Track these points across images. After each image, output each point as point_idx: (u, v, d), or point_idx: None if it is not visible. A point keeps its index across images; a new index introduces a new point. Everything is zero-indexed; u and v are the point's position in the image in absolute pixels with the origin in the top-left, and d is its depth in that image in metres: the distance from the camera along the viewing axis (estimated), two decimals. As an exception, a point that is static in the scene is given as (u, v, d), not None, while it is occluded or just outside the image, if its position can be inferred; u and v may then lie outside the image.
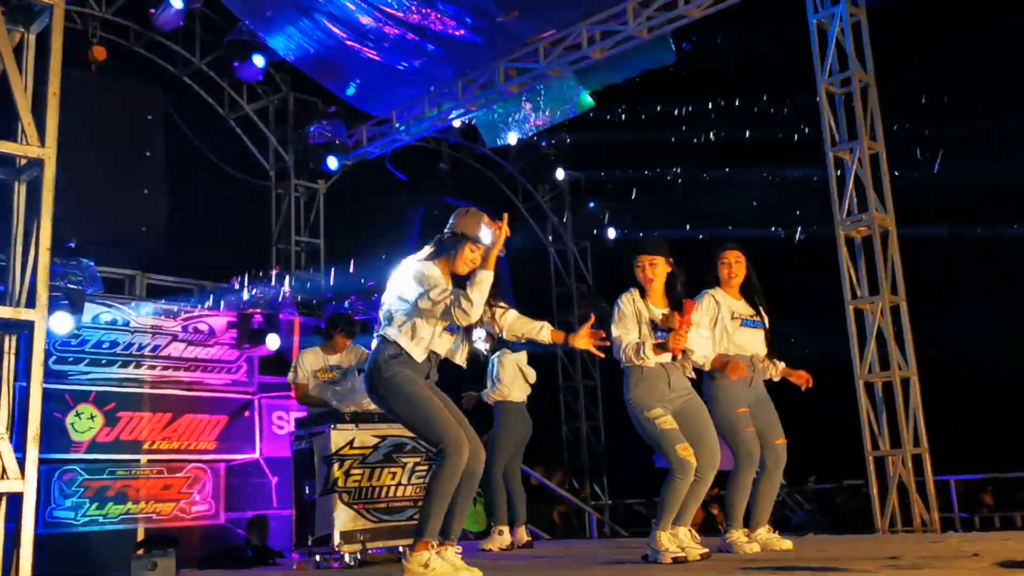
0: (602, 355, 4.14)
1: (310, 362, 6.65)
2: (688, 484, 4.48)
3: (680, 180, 13.14)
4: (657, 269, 4.69)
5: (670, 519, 4.48)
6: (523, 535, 7.04)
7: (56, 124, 3.49)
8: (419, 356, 3.98)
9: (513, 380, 7.11)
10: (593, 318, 4.13)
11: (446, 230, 4.14)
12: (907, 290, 7.70)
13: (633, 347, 4.56)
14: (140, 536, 7.49)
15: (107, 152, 9.14)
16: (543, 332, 4.15)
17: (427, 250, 4.13)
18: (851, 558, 4.06)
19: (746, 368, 4.96)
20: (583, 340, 4.08)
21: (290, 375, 6.67)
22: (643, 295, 4.71)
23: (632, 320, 4.63)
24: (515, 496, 6.99)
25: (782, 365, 5.33)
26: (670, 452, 4.48)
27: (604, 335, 4.08)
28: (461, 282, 4.03)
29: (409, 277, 4.02)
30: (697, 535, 4.69)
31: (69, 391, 7.63)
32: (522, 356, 7.21)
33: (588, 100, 10.54)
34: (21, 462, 3.15)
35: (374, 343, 4.12)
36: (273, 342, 8.36)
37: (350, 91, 10.33)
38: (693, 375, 4.84)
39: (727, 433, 5.02)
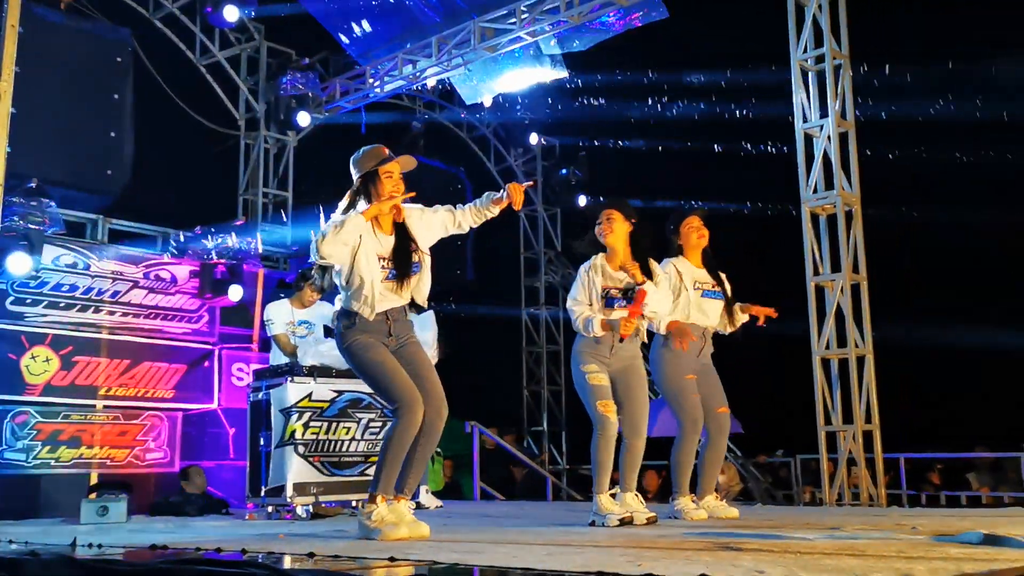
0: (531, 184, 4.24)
1: (279, 314, 6.73)
2: (609, 442, 4.58)
3: (653, 151, 13.12)
4: (615, 225, 4.75)
5: (605, 480, 4.58)
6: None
7: (13, 57, 3.43)
8: (369, 316, 4.02)
9: None
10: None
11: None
12: (867, 269, 7.80)
13: (583, 320, 4.68)
14: (93, 481, 7.45)
15: (74, 94, 8.95)
16: (491, 207, 4.20)
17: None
18: (793, 526, 4.14)
19: (693, 338, 4.99)
20: (516, 192, 4.12)
21: (269, 329, 6.74)
22: (606, 255, 4.78)
23: (587, 291, 4.73)
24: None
25: (744, 317, 5.34)
26: (592, 407, 4.61)
27: (534, 183, 4.19)
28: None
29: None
30: (643, 499, 4.77)
31: (25, 332, 7.53)
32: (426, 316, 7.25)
33: (562, 68, 10.48)
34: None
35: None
36: (235, 293, 8.31)
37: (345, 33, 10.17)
38: (645, 339, 4.93)
39: (671, 398, 5.11)
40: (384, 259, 4.05)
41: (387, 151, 4.16)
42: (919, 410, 12.12)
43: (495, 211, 4.22)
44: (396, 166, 4.11)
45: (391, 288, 4.07)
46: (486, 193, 4.25)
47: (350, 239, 3.95)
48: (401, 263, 4.09)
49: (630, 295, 4.68)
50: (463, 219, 4.24)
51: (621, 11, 9.05)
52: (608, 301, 4.74)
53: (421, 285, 4.19)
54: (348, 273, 4.05)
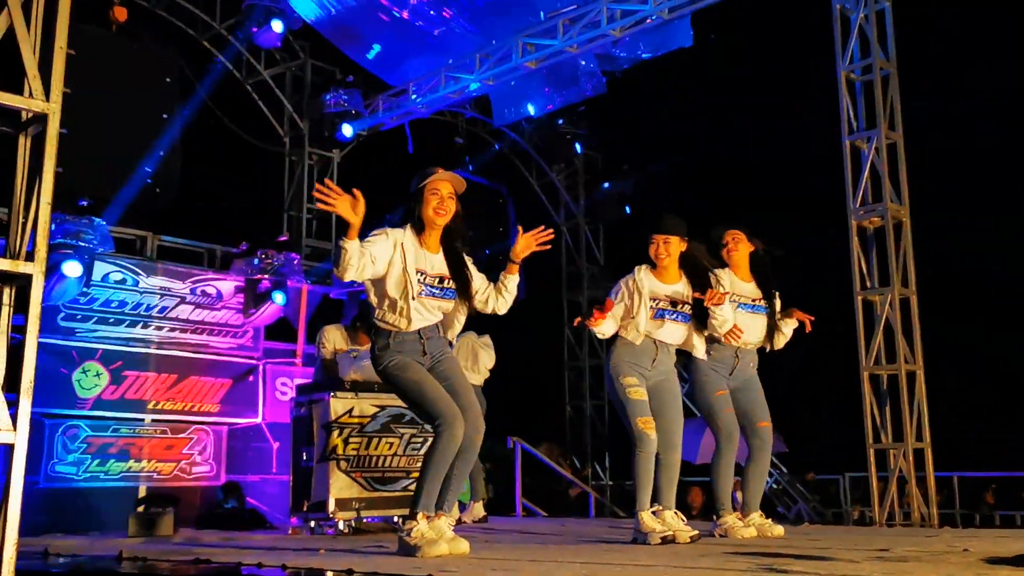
0: (547, 246, 4.19)
1: (335, 339, 6.74)
2: (649, 458, 4.52)
3: (697, 163, 13.05)
4: (671, 248, 4.73)
5: (646, 497, 4.51)
6: (479, 511, 7.16)
7: (62, 79, 3.47)
8: (406, 328, 4.03)
9: (464, 362, 7.16)
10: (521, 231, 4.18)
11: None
12: (917, 283, 7.65)
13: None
14: (141, 494, 7.55)
15: (124, 112, 9.16)
16: (507, 278, 4.20)
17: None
18: (840, 548, 4.04)
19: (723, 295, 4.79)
20: (523, 247, 4.14)
21: (319, 350, 6.78)
22: (653, 268, 4.75)
23: (624, 299, 4.67)
24: (473, 473, 7.13)
25: (787, 334, 5.28)
26: (632, 422, 4.54)
27: (544, 228, 4.16)
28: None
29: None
30: (684, 517, 4.70)
31: (76, 348, 7.68)
32: (484, 339, 7.27)
33: (602, 86, 10.51)
34: (15, 415, 3.17)
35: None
36: (279, 298, 8.37)
37: (370, 55, 10.30)
38: (701, 356, 4.90)
39: (706, 415, 5.07)
40: (423, 274, 4.04)
41: (439, 170, 4.12)
42: (972, 428, 11.83)
43: (511, 280, 4.18)
44: (442, 184, 4.08)
45: (426, 304, 4.06)
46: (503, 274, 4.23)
47: (355, 260, 3.81)
48: (456, 278, 4.12)
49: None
50: (491, 296, 4.22)
51: (652, 44, 9.15)
52: (658, 312, 4.70)
53: (456, 315, 4.19)
54: (381, 288, 4.03)
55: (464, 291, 4.13)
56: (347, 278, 3.90)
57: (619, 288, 4.74)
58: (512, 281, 4.20)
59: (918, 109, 8.41)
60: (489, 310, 4.27)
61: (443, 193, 4.07)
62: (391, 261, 3.99)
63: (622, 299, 4.71)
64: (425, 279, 4.04)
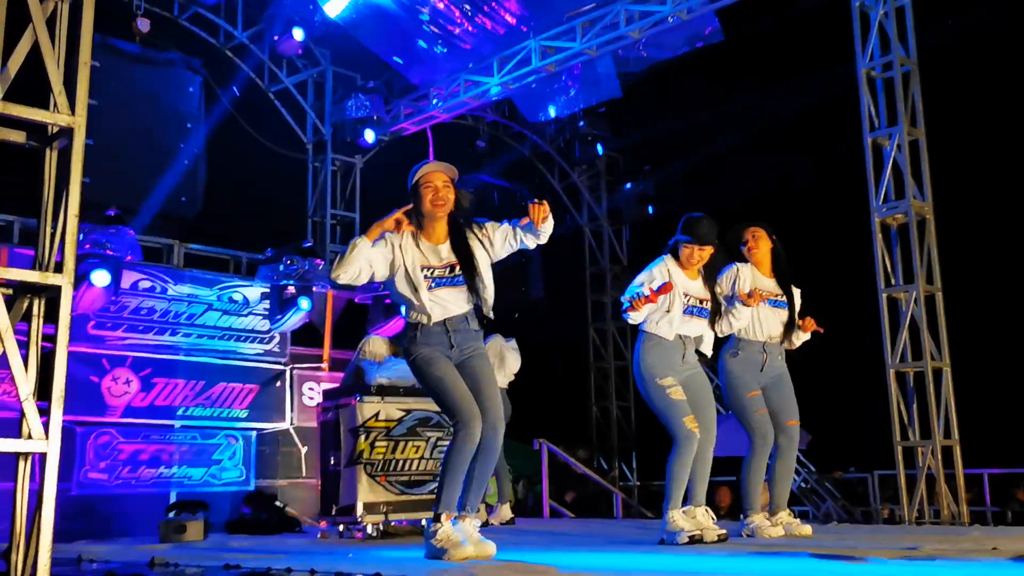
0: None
1: (377, 349, 6.75)
2: (692, 456, 4.50)
3: (719, 162, 12.99)
4: (705, 255, 4.74)
5: (679, 495, 4.51)
6: (506, 512, 7.14)
7: (86, 93, 3.53)
8: (428, 323, 4.05)
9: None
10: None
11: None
12: (942, 278, 7.58)
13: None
14: (172, 500, 7.64)
15: (149, 123, 9.28)
16: (537, 230, 4.05)
17: None
18: (868, 546, 4.03)
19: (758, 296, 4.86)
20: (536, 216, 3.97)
21: (357, 355, 6.80)
22: (676, 260, 4.74)
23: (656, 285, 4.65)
24: (500, 475, 7.09)
25: (805, 336, 5.26)
26: (677, 423, 4.53)
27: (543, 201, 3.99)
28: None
29: None
30: (714, 515, 4.70)
31: (106, 356, 7.78)
32: (511, 343, 7.27)
33: (618, 91, 10.52)
34: (47, 424, 3.23)
35: None
36: (305, 303, 8.45)
37: (396, 55, 10.38)
38: (707, 353, 4.88)
39: (739, 414, 5.04)
40: (430, 268, 4.06)
41: (431, 164, 4.15)
42: (1004, 424, 11.69)
43: (538, 232, 4.05)
44: (434, 176, 4.10)
45: (442, 296, 4.06)
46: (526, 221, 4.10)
47: (359, 261, 3.94)
48: (463, 268, 4.08)
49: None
50: (523, 237, 4.16)
51: (680, 35, 9.11)
52: (687, 309, 4.70)
53: (485, 294, 4.12)
54: (393, 289, 4.10)
55: (472, 279, 4.06)
56: (342, 279, 3.95)
57: (654, 277, 4.69)
58: (538, 232, 4.03)
59: (939, 105, 8.32)
60: (527, 246, 4.15)
61: (436, 184, 4.08)
62: (392, 263, 4.04)
63: (656, 284, 4.67)
64: (433, 272, 4.04)
